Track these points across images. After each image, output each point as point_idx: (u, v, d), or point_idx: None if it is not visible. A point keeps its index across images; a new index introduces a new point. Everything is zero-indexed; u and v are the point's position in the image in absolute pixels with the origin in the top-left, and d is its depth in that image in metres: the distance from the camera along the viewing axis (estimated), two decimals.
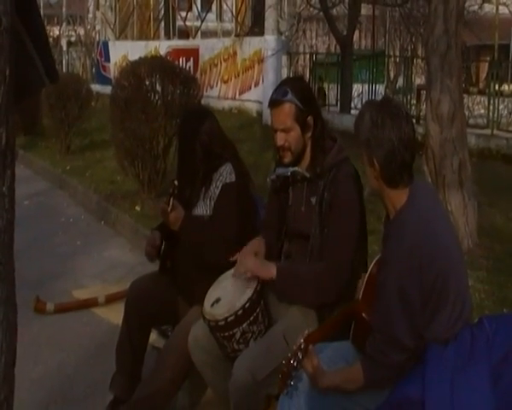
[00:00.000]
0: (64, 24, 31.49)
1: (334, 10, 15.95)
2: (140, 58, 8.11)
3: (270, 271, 3.00)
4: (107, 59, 24.18)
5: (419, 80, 16.93)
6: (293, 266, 3.09)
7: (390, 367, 2.45)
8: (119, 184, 8.99)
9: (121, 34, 26.33)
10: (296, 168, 3.10)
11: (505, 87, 14.59)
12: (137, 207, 7.71)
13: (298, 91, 3.06)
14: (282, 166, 3.14)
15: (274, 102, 3.07)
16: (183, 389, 3.52)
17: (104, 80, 22.56)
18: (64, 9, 31.49)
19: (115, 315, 4.64)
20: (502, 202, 7.43)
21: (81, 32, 29.85)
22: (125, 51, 22.23)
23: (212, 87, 17.84)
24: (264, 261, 3.13)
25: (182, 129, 3.64)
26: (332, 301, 2.92)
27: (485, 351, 2.39)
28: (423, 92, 11.89)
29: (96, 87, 17.97)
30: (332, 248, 2.97)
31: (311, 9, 16.14)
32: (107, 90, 10.12)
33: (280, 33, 15.76)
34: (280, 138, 3.06)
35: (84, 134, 12.61)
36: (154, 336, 3.92)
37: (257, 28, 17.55)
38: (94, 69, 26.00)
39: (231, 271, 3.15)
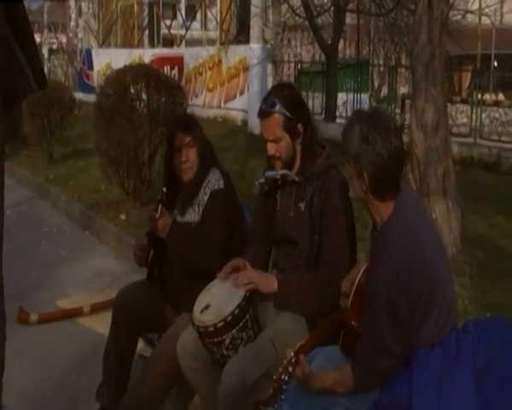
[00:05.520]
0: (45, 31, 31.22)
1: (319, 19, 15.94)
2: (125, 66, 8.05)
3: (272, 283, 3.02)
4: (90, 67, 24.07)
5: (403, 89, 17.00)
6: (292, 277, 3.06)
7: (379, 373, 2.48)
8: (103, 193, 8.93)
9: (104, 42, 26.23)
10: (286, 170, 3.11)
11: (487, 96, 14.68)
12: (122, 216, 7.66)
13: (286, 101, 3.07)
14: (272, 169, 3.15)
15: (262, 113, 3.10)
16: (170, 397, 3.50)
17: (87, 88, 22.46)
18: (45, 16, 31.19)
19: (101, 324, 4.61)
20: (484, 210, 7.48)
21: (63, 39, 29.60)
22: (108, 59, 22.15)
23: (196, 96, 17.81)
24: (265, 274, 3.14)
25: (170, 138, 3.62)
26: (328, 309, 2.90)
27: (471, 355, 2.41)
28: (407, 101, 11.94)
29: (78, 95, 17.86)
30: (328, 257, 2.99)
31: (297, 18, 16.11)
32: (90, 98, 10.07)
33: (265, 42, 15.76)
34: (270, 148, 3.10)
35: (66, 142, 12.42)
36: (140, 345, 3.90)
37: (242, 36, 17.52)
38: (76, 77, 25.86)
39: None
